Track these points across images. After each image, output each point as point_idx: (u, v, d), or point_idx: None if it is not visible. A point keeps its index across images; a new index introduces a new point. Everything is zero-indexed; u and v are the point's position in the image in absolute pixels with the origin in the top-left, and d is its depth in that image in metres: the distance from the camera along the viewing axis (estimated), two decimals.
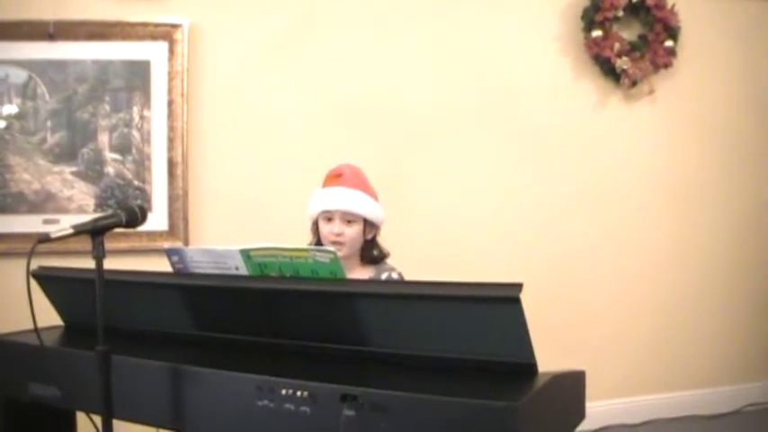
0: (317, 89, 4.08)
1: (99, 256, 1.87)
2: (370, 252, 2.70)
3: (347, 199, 2.61)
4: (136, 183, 3.89)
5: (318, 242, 2.68)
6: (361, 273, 2.67)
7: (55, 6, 3.73)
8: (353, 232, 2.62)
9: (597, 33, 4.28)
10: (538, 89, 4.36)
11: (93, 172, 3.85)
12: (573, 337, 4.30)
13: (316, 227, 2.70)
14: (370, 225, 2.67)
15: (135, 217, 2.01)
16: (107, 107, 3.85)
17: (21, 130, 3.77)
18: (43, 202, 3.80)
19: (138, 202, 3.61)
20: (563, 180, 4.40)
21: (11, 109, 3.76)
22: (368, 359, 1.89)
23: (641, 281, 4.53)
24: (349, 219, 2.61)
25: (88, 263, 1.91)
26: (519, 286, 1.63)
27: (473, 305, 1.72)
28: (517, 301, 1.63)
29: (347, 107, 4.10)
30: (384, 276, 2.64)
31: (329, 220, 2.63)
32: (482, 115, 4.29)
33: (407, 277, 2.62)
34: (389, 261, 2.74)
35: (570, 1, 4.37)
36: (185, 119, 3.88)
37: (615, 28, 4.34)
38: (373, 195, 2.69)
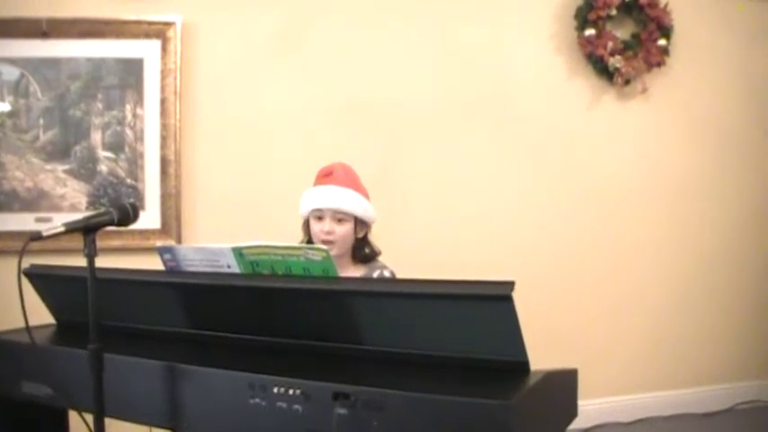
0: (311, 87, 4.08)
1: (91, 254, 1.86)
2: (362, 250, 2.69)
3: (337, 197, 2.60)
4: (129, 181, 3.88)
5: (310, 241, 2.68)
6: (353, 271, 2.67)
7: (48, 4, 3.73)
8: (344, 231, 2.62)
9: (590, 32, 4.29)
10: (531, 88, 4.36)
11: (85, 170, 3.84)
12: (566, 335, 4.31)
13: (307, 226, 2.70)
14: (361, 223, 2.66)
15: (127, 215, 2.00)
16: (100, 105, 3.84)
17: (13, 127, 3.77)
18: (36, 200, 3.79)
19: (131, 200, 3.59)
20: (556, 178, 4.41)
21: (3, 107, 3.75)
22: (360, 357, 1.89)
23: (634, 279, 4.53)
24: (339, 217, 2.61)
25: (80, 261, 1.91)
26: (511, 284, 1.63)
27: (465, 303, 1.72)
28: (509, 299, 1.63)
29: (341, 105, 4.10)
30: (376, 274, 2.63)
31: (320, 218, 2.62)
32: (476, 113, 4.29)
33: (399, 275, 2.61)
34: (381, 259, 2.73)
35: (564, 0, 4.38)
36: (178, 117, 3.88)
37: (608, 27, 4.35)
38: (364, 194, 2.68)
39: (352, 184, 2.65)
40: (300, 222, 2.74)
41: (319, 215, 2.62)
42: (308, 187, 2.70)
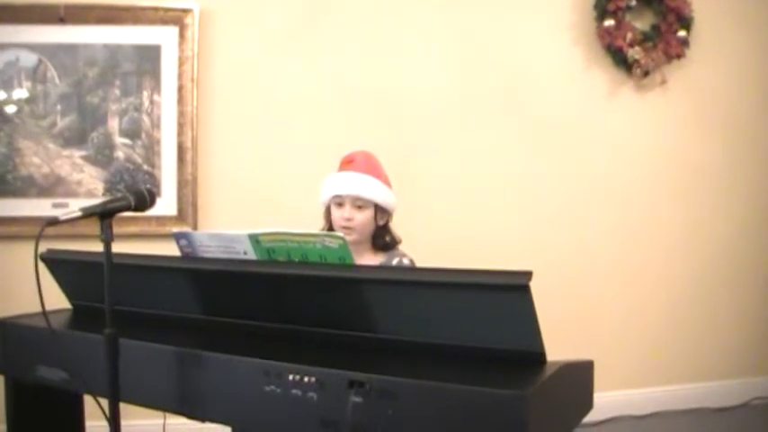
0: (328, 75, 4.08)
1: (107, 239, 1.86)
2: (382, 238, 2.69)
3: (357, 184, 2.60)
4: (145, 167, 3.89)
5: (330, 227, 2.68)
6: (372, 259, 2.67)
7: None
8: (364, 218, 2.61)
9: (609, 23, 4.25)
10: (549, 78, 4.34)
11: (102, 156, 3.85)
12: (582, 327, 4.29)
13: (328, 212, 2.70)
14: (381, 211, 2.66)
15: (144, 201, 2.00)
16: (117, 91, 3.85)
17: (31, 113, 3.78)
18: (53, 186, 3.81)
19: (148, 186, 3.60)
20: (573, 169, 4.38)
21: (21, 92, 3.77)
22: (376, 346, 1.88)
23: (651, 272, 4.51)
24: (359, 204, 2.61)
25: (97, 246, 1.91)
26: (528, 274, 1.62)
27: (482, 293, 1.71)
28: (526, 288, 1.62)
29: (358, 93, 4.10)
30: (395, 262, 2.63)
31: (340, 205, 2.62)
32: (493, 104, 4.27)
33: (419, 264, 2.60)
34: (401, 248, 2.72)
35: None
36: (195, 104, 3.88)
37: (628, 17, 4.31)
38: (386, 181, 2.68)
39: (373, 171, 2.65)
40: (319, 209, 2.74)
41: (339, 201, 2.63)
42: (324, 175, 2.69)
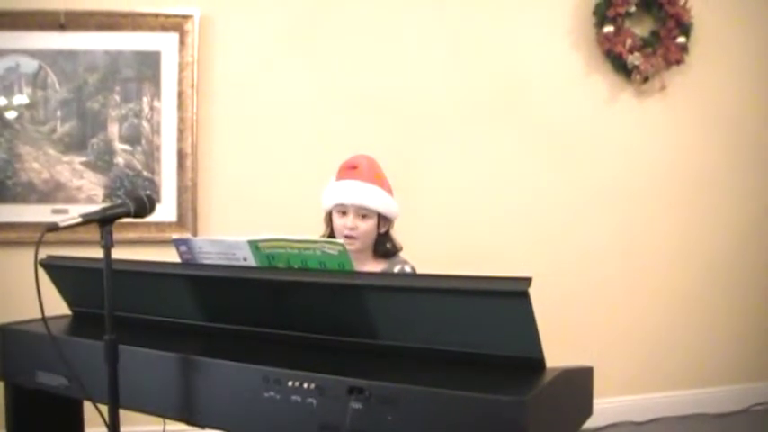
0: (328, 80, 4.08)
1: (107, 245, 1.86)
2: (384, 246, 2.68)
3: (362, 193, 2.59)
4: (145, 173, 3.90)
5: (331, 234, 2.67)
6: (374, 266, 2.66)
7: None
8: (367, 227, 2.61)
9: (609, 29, 4.26)
10: (549, 84, 4.34)
11: (102, 162, 3.86)
12: (581, 333, 4.29)
13: (329, 218, 2.69)
14: (383, 219, 2.65)
15: (144, 207, 2.00)
16: (117, 97, 3.86)
17: (31, 119, 3.79)
18: (52, 192, 3.81)
19: (147, 192, 3.61)
20: (573, 176, 4.38)
21: (21, 98, 3.77)
22: (375, 352, 1.88)
23: (650, 278, 4.51)
24: (363, 213, 2.59)
25: (97, 252, 1.91)
26: (528, 280, 1.62)
27: (482, 299, 1.71)
28: (526, 294, 1.62)
29: (358, 99, 4.10)
30: (397, 269, 2.62)
31: (343, 213, 2.61)
32: (493, 109, 4.27)
33: (420, 271, 2.60)
34: (402, 254, 2.72)
35: None
36: (195, 110, 3.89)
37: (627, 23, 4.32)
38: (388, 189, 2.67)
39: (377, 179, 2.63)
40: (320, 215, 2.73)
41: (343, 210, 2.61)
42: (325, 181, 2.69)
